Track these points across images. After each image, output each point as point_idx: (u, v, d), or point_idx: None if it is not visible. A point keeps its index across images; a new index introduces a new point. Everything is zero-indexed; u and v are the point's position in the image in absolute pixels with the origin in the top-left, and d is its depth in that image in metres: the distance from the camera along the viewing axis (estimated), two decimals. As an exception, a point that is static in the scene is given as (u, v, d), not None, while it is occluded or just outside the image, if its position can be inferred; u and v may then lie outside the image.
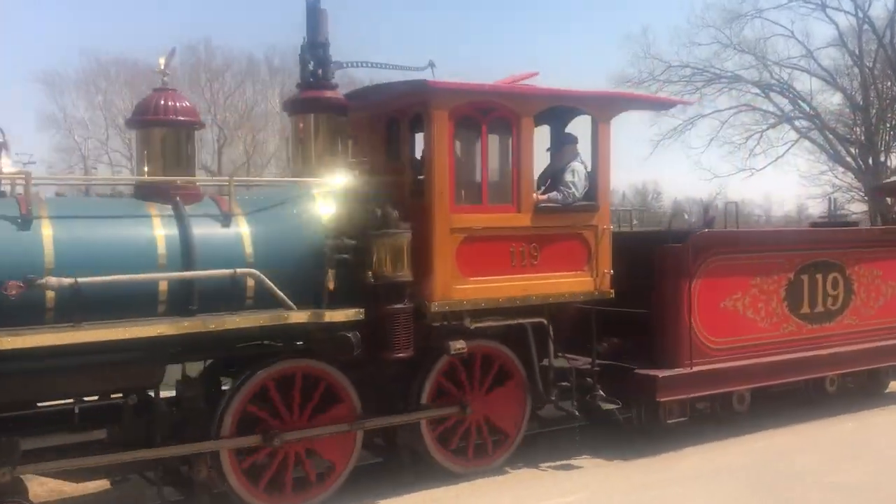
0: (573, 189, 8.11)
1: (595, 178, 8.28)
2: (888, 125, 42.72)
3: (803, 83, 43.07)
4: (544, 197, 8.12)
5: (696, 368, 8.77)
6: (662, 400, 8.53)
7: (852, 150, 42.08)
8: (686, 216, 20.36)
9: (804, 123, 43.95)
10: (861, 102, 41.93)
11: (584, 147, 8.48)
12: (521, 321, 7.97)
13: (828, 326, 9.97)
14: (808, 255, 9.78)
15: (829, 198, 41.50)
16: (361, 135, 8.37)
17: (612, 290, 8.30)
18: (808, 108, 43.16)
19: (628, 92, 8.55)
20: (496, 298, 7.64)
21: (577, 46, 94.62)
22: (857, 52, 41.08)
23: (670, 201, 63.29)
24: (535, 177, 8.65)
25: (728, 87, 43.93)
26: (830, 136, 43.08)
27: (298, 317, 6.78)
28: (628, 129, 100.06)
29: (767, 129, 43.75)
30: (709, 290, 8.97)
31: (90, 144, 48.33)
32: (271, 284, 6.73)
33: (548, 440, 9.13)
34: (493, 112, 7.68)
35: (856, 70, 41.80)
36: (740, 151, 44.22)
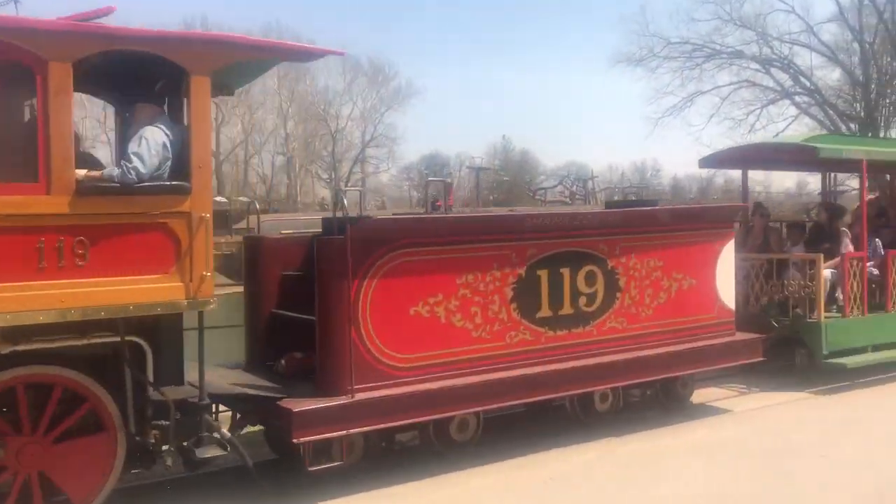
0: (137, 162, 5.62)
1: (187, 150, 5.74)
2: (888, 101, 40.39)
3: (804, 59, 40.31)
4: (97, 174, 5.66)
5: (360, 396, 6.21)
6: (302, 441, 6.07)
7: (852, 125, 39.10)
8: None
9: (804, 99, 41.49)
10: (861, 78, 39.28)
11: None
12: (92, 341, 5.57)
13: (582, 332, 7.24)
14: (547, 245, 7.08)
15: (828, 173, 39.51)
16: None
17: (213, 298, 5.83)
18: (808, 84, 40.76)
19: (233, 34, 5.93)
20: (3, 314, 5.26)
21: (571, 28, 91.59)
22: (857, 27, 38.34)
23: (669, 178, 60.32)
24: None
25: (728, 62, 41.41)
26: (831, 112, 40.71)
27: None
28: (628, 108, 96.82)
29: (767, 104, 41.17)
30: (390, 293, 6.37)
31: (87, 124, 46.42)
32: None
33: (194, 489, 6.70)
34: (-4, 56, 5.24)
35: (856, 46, 38.99)
36: (740, 127, 41.74)
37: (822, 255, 9.40)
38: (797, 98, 41.60)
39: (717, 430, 7.77)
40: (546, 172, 61.09)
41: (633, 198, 9.20)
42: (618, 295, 7.45)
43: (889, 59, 39.24)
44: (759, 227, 10.40)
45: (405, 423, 6.51)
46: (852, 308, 9.60)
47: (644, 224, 7.66)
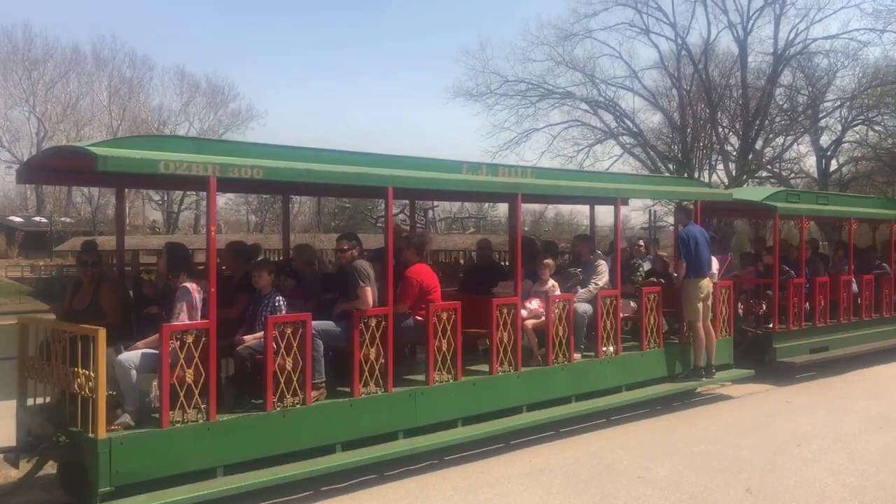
0: None
1: None
2: (701, 144, 38.66)
3: (628, 102, 40.40)
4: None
5: None
6: None
7: (670, 165, 37.74)
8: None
9: (629, 140, 40.45)
10: (679, 122, 37.93)
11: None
12: None
13: None
14: None
15: (650, 210, 38.13)
16: None
17: None
18: (632, 126, 39.08)
19: None
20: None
21: (412, 60, 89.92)
22: (676, 75, 37.28)
23: (505, 208, 58.37)
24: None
25: (560, 102, 39.99)
26: (651, 153, 39.67)
27: None
28: (469, 141, 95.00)
29: (595, 143, 39.46)
30: None
31: None
32: None
33: None
34: None
35: (674, 92, 38.09)
36: (571, 164, 40.79)
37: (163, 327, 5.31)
38: (622, 138, 40.94)
39: None
40: (389, 200, 57.91)
41: None
42: None
43: (703, 105, 38.76)
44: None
45: None
46: (198, 409, 5.47)
47: None
